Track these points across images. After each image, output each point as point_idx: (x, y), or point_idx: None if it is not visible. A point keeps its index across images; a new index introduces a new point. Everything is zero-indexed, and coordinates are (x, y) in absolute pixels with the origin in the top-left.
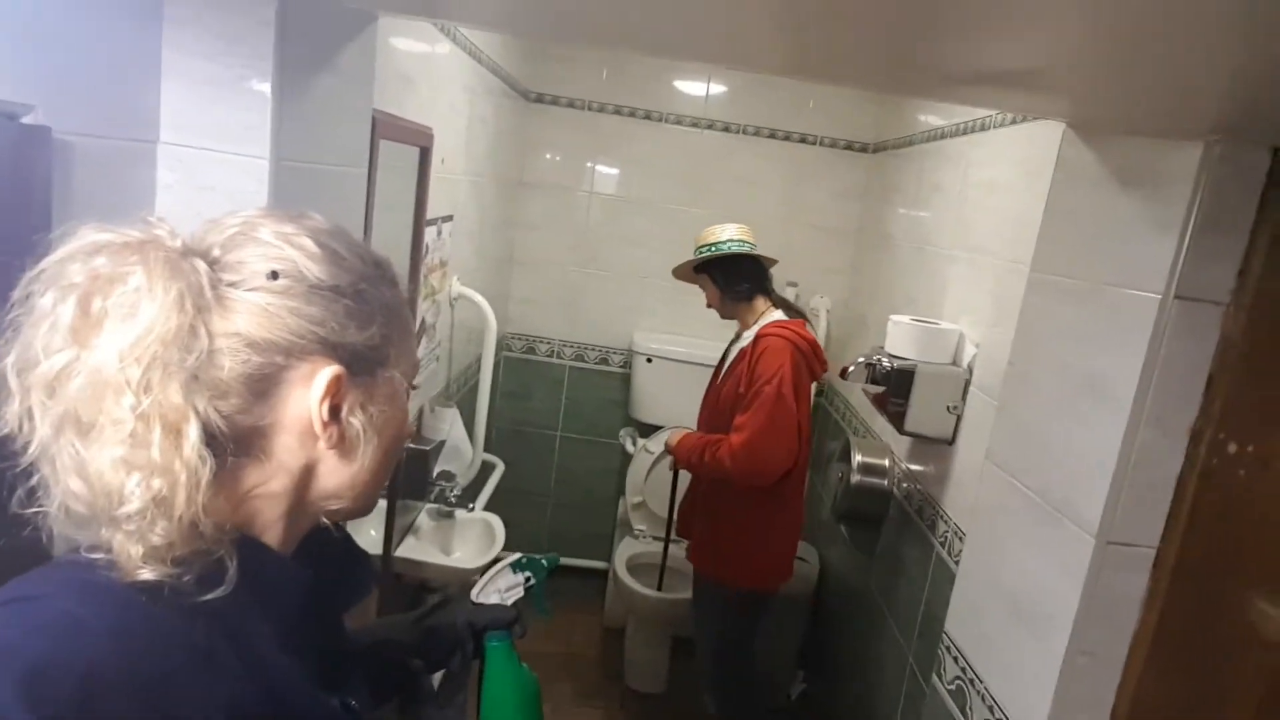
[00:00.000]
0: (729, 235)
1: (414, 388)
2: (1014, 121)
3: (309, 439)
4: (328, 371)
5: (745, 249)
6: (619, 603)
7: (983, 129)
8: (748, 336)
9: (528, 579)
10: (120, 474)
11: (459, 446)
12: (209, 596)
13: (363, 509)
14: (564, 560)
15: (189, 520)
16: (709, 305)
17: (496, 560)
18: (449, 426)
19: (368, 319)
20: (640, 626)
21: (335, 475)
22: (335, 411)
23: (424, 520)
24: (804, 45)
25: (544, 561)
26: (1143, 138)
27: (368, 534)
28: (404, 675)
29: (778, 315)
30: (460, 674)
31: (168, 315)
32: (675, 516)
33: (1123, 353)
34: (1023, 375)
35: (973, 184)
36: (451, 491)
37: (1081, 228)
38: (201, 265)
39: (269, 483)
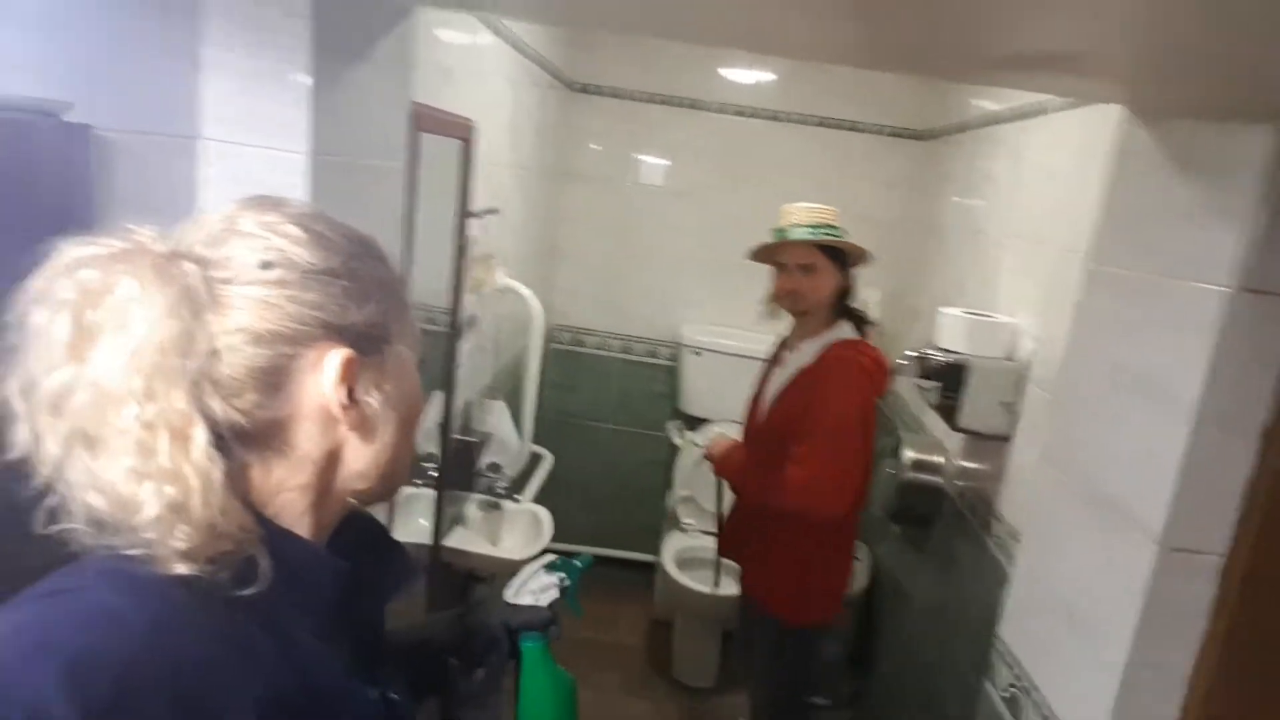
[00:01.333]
0: (838, 223)
1: (420, 360)
2: (1071, 105)
3: (330, 424)
4: (338, 354)
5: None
6: (667, 596)
7: (1039, 113)
8: (808, 350)
9: (562, 580)
10: (133, 484)
11: (506, 439)
12: (247, 591)
13: (392, 488)
14: (612, 553)
15: (207, 522)
16: (785, 294)
17: (538, 557)
18: (495, 419)
19: (364, 297)
20: (689, 621)
21: (360, 457)
22: (350, 393)
23: (472, 511)
24: (852, 31)
25: (578, 563)
26: (1207, 120)
27: (417, 523)
28: (442, 674)
29: (847, 329)
30: (496, 674)
31: (163, 321)
32: (720, 530)
33: (1186, 348)
34: (1079, 371)
35: (1028, 170)
36: (499, 483)
37: (1142, 217)
38: (191, 267)
39: (297, 474)
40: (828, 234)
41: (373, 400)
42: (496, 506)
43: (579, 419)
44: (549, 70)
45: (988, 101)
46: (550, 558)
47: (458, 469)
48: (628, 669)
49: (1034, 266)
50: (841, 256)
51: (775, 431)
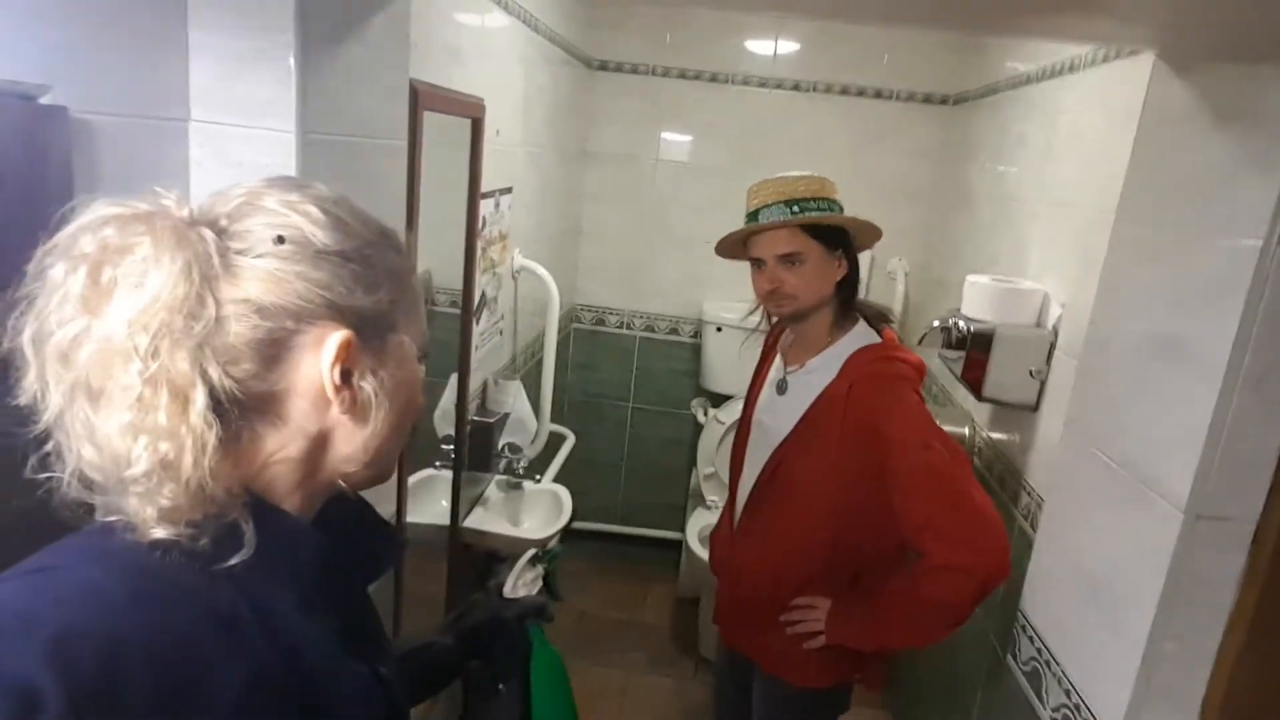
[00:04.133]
0: (833, 194)
1: (425, 356)
2: (1104, 60)
3: (323, 404)
4: (338, 335)
5: (838, 213)
6: (692, 573)
7: (1071, 70)
8: (818, 371)
9: (546, 569)
10: (128, 439)
11: (523, 419)
12: (230, 562)
13: (378, 475)
14: (637, 531)
15: (196, 483)
16: (764, 295)
17: (546, 538)
18: (513, 399)
19: (374, 284)
20: (714, 598)
21: (350, 440)
22: (347, 376)
23: (492, 491)
24: None
25: (554, 551)
26: (1241, 64)
27: (437, 504)
28: (455, 672)
29: (863, 331)
30: (510, 663)
31: (175, 283)
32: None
33: (1216, 307)
34: (1105, 335)
35: (1060, 132)
36: (519, 463)
37: (1171, 171)
38: (209, 234)
39: (287, 448)
40: (815, 211)
41: (367, 385)
42: (517, 487)
43: (602, 398)
44: (565, 48)
45: (1019, 63)
46: (532, 552)
47: (476, 449)
48: (655, 647)
49: (1066, 232)
50: (840, 238)
51: (798, 488)
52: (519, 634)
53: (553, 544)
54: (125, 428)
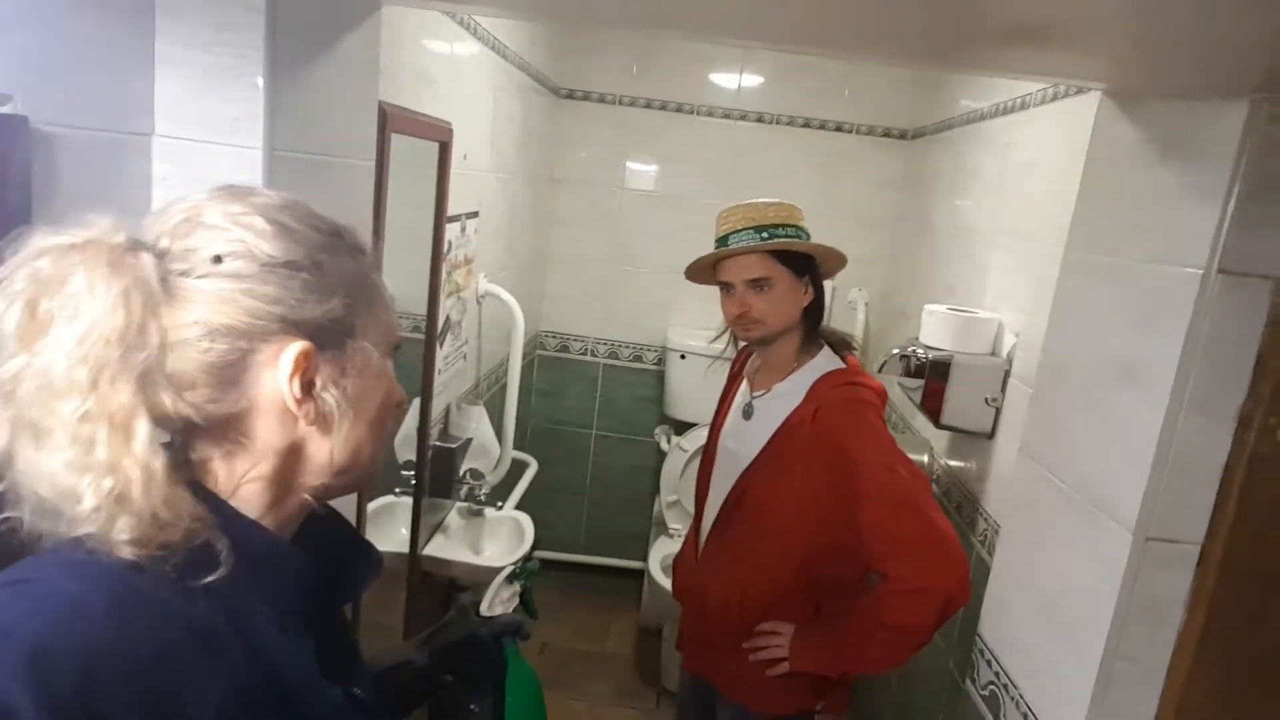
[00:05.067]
0: (800, 221)
1: (397, 347)
2: (1054, 98)
3: (288, 419)
4: (294, 348)
5: (806, 240)
6: (655, 604)
7: (1022, 108)
8: (785, 394)
9: (522, 586)
10: (73, 476)
11: (486, 444)
12: (207, 580)
13: (355, 483)
14: (600, 560)
15: (150, 513)
16: (733, 319)
17: (502, 570)
18: (476, 424)
19: (328, 291)
20: (676, 627)
21: (322, 452)
22: (308, 387)
23: (453, 519)
24: (833, 11)
25: (530, 568)
26: (1183, 100)
27: (397, 532)
28: (430, 690)
29: (828, 357)
30: (487, 681)
31: (111, 314)
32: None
33: (1162, 333)
34: (1057, 361)
35: (1012, 166)
36: (481, 490)
37: (1118, 202)
38: (147, 258)
39: (258, 466)
40: (784, 237)
41: (330, 396)
42: (478, 514)
43: (566, 425)
44: (534, 76)
45: (972, 100)
46: (509, 569)
47: (437, 476)
48: (617, 678)
49: (1019, 262)
50: (807, 264)
51: (764, 512)
52: (495, 652)
53: (530, 562)
54: (68, 465)
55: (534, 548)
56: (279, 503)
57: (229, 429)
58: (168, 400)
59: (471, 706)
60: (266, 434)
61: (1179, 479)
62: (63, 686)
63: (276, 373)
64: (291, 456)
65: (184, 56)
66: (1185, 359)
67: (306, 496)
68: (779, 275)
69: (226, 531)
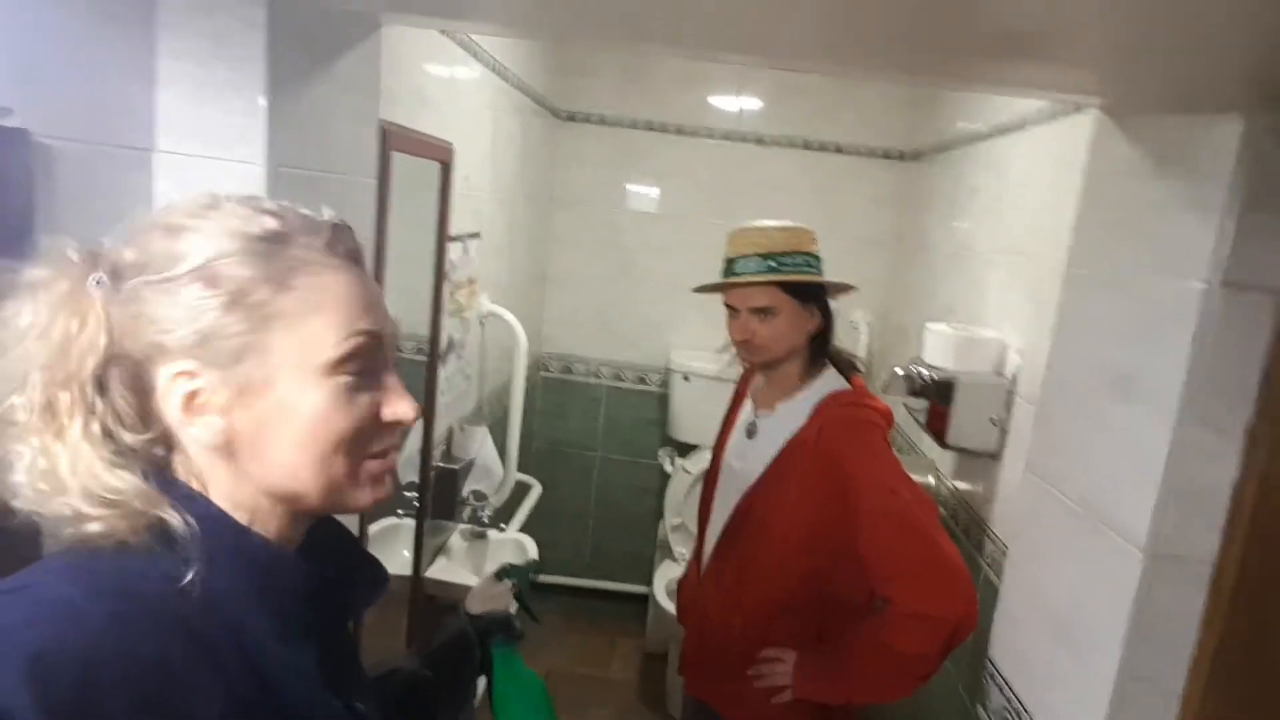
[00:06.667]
0: (810, 247)
1: (363, 336)
2: (1051, 117)
3: (191, 438)
4: (169, 370)
5: (817, 271)
6: (660, 628)
7: (1021, 128)
8: (788, 415)
9: (514, 585)
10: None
11: (489, 466)
12: (189, 575)
13: (319, 505)
14: (603, 584)
15: (81, 489)
16: (737, 343)
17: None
18: (479, 445)
19: (228, 303)
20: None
21: (244, 472)
22: (199, 410)
23: (456, 541)
24: (827, 22)
25: (524, 565)
26: (1180, 115)
27: (399, 554)
28: (414, 692)
29: (833, 378)
30: (470, 681)
31: (42, 330)
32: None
33: (1166, 348)
34: (1061, 378)
35: (1012, 186)
36: (483, 511)
37: (1118, 217)
38: (92, 278)
39: (205, 476)
40: (790, 270)
41: (216, 418)
42: (481, 536)
43: (569, 447)
44: (534, 97)
45: (968, 122)
46: (499, 566)
47: (440, 497)
48: (621, 704)
49: (1020, 280)
50: (814, 291)
51: (767, 532)
52: (473, 647)
53: (526, 563)
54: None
55: (538, 569)
56: (253, 511)
57: (167, 439)
58: (101, 406)
59: (445, 696)
60: (191, 448)
61: (1188, 496)
62: (63, 691)
63: (170, 396)
64: (224, 472)
65: (185, 71)
66: (1191, 374)
67: (284, 508)
68: (783, 304)
69: (232, 537)
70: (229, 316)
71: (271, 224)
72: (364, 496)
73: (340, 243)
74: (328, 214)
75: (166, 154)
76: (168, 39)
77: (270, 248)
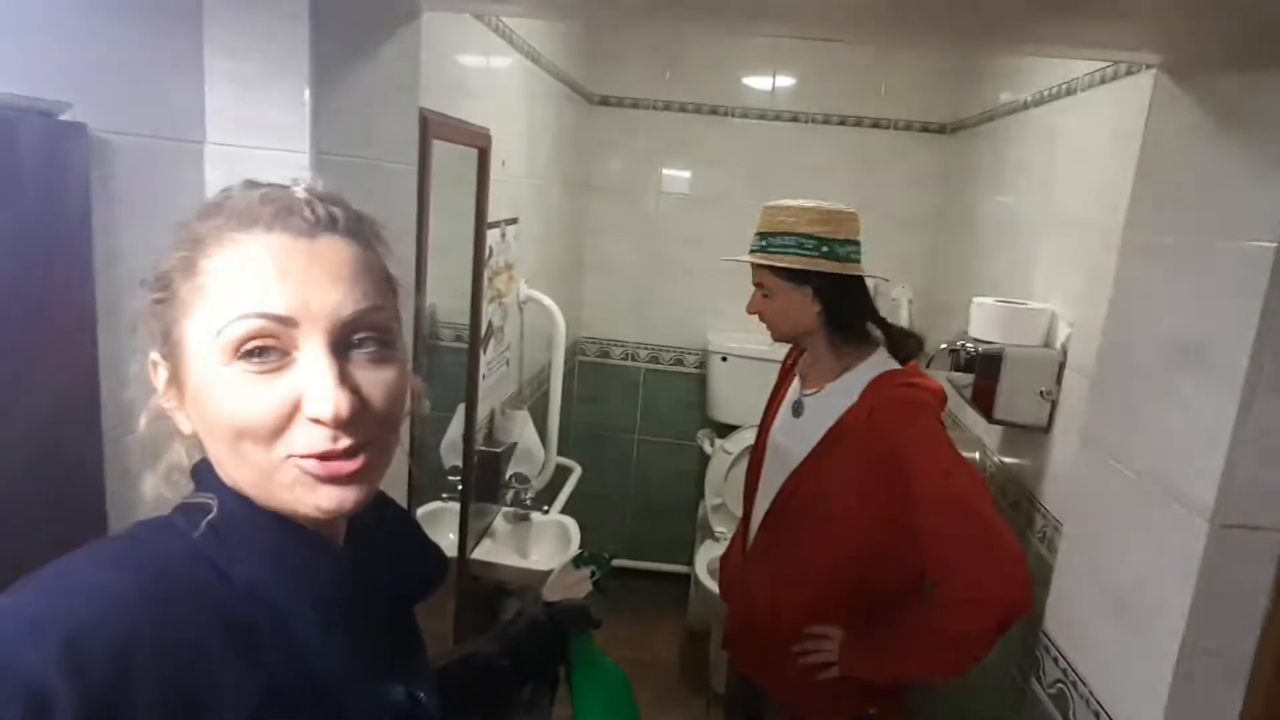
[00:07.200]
0: (847, 233)
1: (258, 319)
2: (1102, 81)
3: (191, 428)
4: (151, 358)
5: (858, 261)
6: (701, 607)
7: (1069, 93)
8: (836, 395)
9: (593, 573)
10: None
11: (531, 449)
12: (229, 564)
13: (264, 502)
14: (644, 565)
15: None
16: (760, 318)
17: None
18: (520, 429)
19: (158, 294)
20: (724, 627)
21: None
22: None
23: (500, 523)
24: None
25: (605, 555)
26: (1241, 73)
27: (445, 537)
28: (491, 679)
29: (880, 359)
30: (550, 670)
31: None
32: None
33: (1234, 312)
34: (1119, 346)
35: (1061, 154)
36: (526, 494)
37: (1179, 180)
38: None
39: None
40: (775, 251)
41: (169, 404)
42: (525, 518)
43: (608, 431)
44: (567, 83)
45: (1010, 91)
46: (576, 553)
47: (483, 480)
48: (663, 684)
49: (1071, 251)
50: (806, 274)
51: (814, 512)
52: (552, 635)
53: (605, 553)
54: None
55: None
56: (265, 498)
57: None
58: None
59: (526, 690)
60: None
61: (1257, 463)
62: (98, 674)
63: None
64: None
65: (230, 65)
66: (1261, 337)
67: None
68: (774, 285)
69: (269, 527)
70: (159, 306)
71: (204, 208)
72: (303, 500)
73: (279, 215)
74: (300, 183)
75: (217, 145)
76: (215, 33)
77: (187, 234)
